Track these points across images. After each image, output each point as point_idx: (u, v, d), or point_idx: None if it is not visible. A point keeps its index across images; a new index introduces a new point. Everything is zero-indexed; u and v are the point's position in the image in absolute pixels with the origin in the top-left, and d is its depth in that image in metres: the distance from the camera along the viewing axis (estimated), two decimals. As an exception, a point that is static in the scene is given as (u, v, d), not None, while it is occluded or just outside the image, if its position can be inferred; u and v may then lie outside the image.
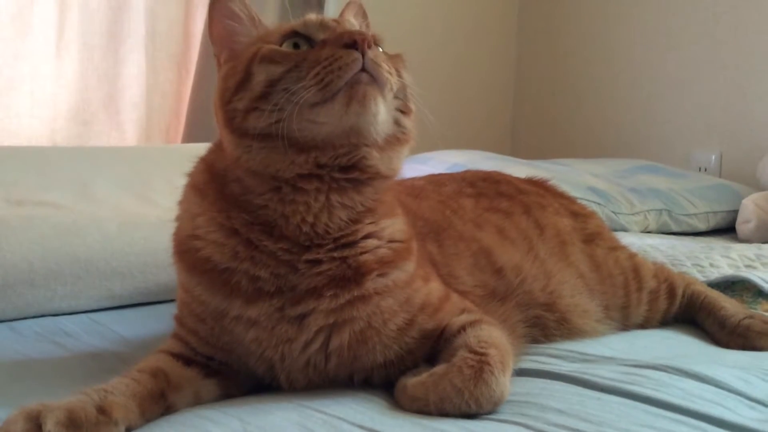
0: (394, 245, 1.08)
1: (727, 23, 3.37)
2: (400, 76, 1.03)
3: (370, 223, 1.06)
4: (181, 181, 1.14)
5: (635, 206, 2.68)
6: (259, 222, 1.02)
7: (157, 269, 1.61)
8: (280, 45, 1.02)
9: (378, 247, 1.06)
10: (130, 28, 2.69)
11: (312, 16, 1.04)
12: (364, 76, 0.96)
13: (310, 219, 1.01)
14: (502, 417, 0.96)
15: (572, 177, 2.70)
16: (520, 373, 1.12)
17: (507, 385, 0.98)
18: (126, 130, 2.72)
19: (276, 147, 0.97)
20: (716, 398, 1.03)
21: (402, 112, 1.04)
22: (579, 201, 1.71)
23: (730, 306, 1.46)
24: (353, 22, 1.08)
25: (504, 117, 4.18)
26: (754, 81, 3.30)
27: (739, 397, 1.05)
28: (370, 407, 0.99)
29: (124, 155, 2.22)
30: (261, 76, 0.99)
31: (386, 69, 0.98)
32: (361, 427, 0.92)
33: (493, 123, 4.11)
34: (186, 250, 1.08)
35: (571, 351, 1.24)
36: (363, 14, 1.17)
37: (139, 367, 1.03)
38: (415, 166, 2.35)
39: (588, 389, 1.06)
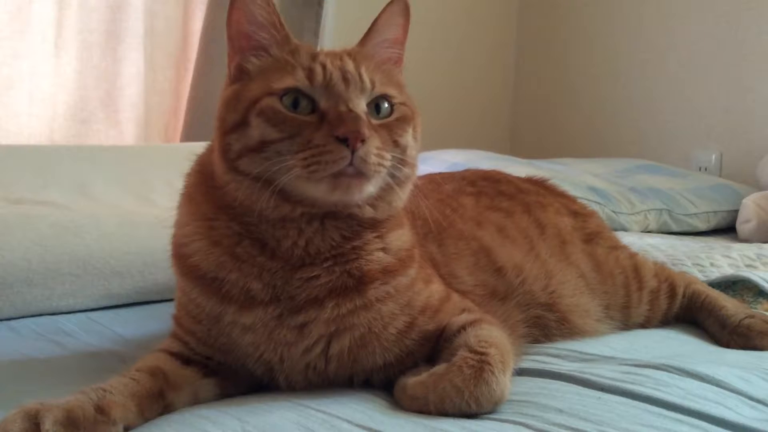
0: (400, 254, 1.08)
1: (728, 23, 3.37)
2: (396, 144, 1.02)
3: (376, 237, 1.06)
4: (179, 180, 1.14)
5: (635, 206, 2.68)
6: (249, 235, 1.02)
7: (156, 268, 1.61)
8: (282, 97, 0.99)
9: (385, 258, 1.06)
10: (129, 27, 2.69)
11: (320, 73, 0.99)
12: (350, 170, 0.95)
13: (302, 243, 1.01)
14: (502, 416, 0.95)
15: (572, 176, 2.70)
16: (521, 372, 1.11)
17: (507, 384, 0.98)
18: (124, 129, 2.71)
19: (264, 191, 0.97)
20: (717, 398, 1.03)
21: (397, 166, 1.02)
22: (579, 200, 1.70)
23: (731, 305, 1.46)
24: (365, 82, 1.01)
25: (503, 116, 4.18)
26: (755, 81, 3.30)
27: (739, 397, 1.05)
28: (370, 407, 0.98)
29: (122, 154, 2.22)
30: (256, 131, 0.98)
31: (376, 161, 0.96)
32: (361, 426, 0.91)
33: (492, 122, 4.11)
34: (179, 255, 1.08)
35: (572, 350, 1.24)
36: (404, 14, 1.10)
37: (137, 366, 1.02)
38: (414, 166, 2.35)
39: (588, 389, 1.06)
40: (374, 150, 0.96)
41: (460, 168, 1.83)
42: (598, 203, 2.53)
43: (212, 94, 2.65)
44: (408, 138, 1.04)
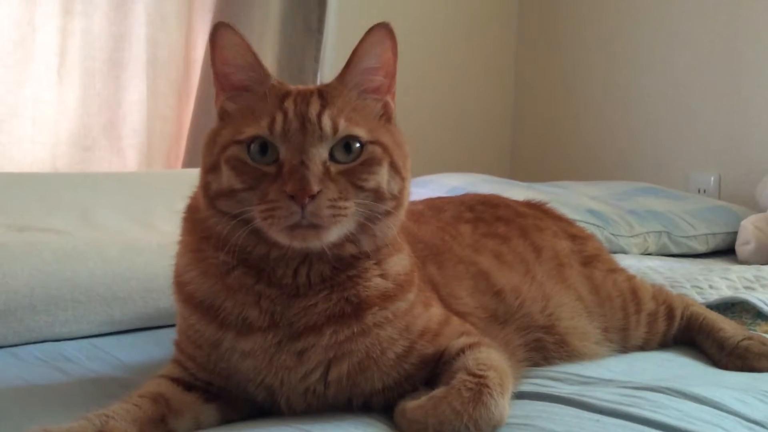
0: (399, 279, 1.08)
1: (725, 46, 3.40)
2: (361, 189, 1.00)
3: (374, 264, 1.06)
4: (181, 207, 1.15)
5: (634, 228, 2.68)
6: (244, 264, 1.03)
7: (158, 294, 1.61)
8: (249, 145, 1.00)
9: (383, 283, 1.06)
10: (131, 55, 2.71)
11: (279, 123, 0.99)
12: (304, 222, 0.96)
13: (290, 272, 1.03)
14: (501, 440, 0.96)
15: (571, 199, 2.71)
16: (519, 395, 1.12)
17: (506, 407, 0.98)
18: (127, 155, 2.73)
19: (243, 229, 0.99)
20: (715, 420, 1.03)
21: (373, 202, 1.01)
22: (578, 223, 1.71)
23: (729, 327, 1.46)
24: (325, 128, 0.99)
25: (503, 140, 4.20)
26: (753, 103, 3.32)
27: (737, 419, 1.05)
28: (369, 431, 0.99)
29: (125, 181, 2.23)
30: (225, 178, 1.01)
31: (330, 213, 0.96)
32: (360, 450, 0.92)
33: (491, 146, 4.13)
34: (178, 282, 1.10)
35: (570, 373, 1.25)
36: (387, 40, 1.06)
37: (139, 392, 1.03)
38: (414, 190, 2.33)
39: (587, 411, 1.06)
40: (327, 203, 0.96)
41: (460, 192, 1.85)
42: (597, 226, 2.54)
43: (214, 121, 2.67)
44: (378, 178, 1.02)
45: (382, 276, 1.06)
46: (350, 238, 1.02)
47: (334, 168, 0.99)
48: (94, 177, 2.28)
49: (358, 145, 1.01)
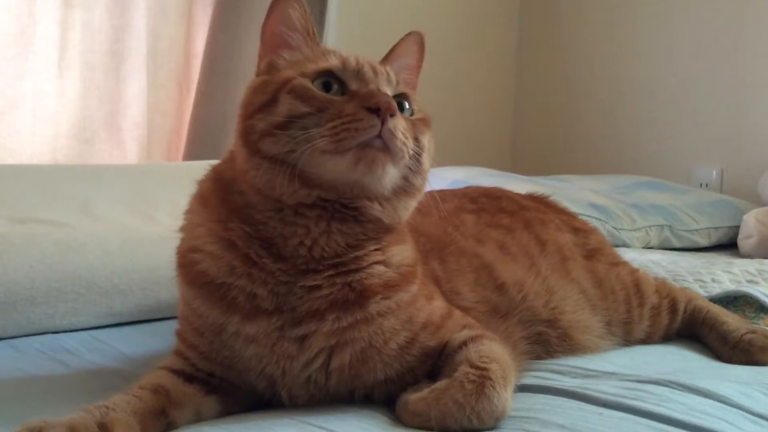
0: (402, 269, 1.08)
1: (727, 40, 3.39)
2: (417, 141, 1.04)
3: (376, 249, 1.06)
4: (182, 198, 1.15)
5: (637, 222, 2.68)
6: (258, 236, 1.02)
7: (158, 286, 1.61)
8: (313, 80, 1.02)
9: (385, 272, 1.06)
10: (132, 47, 2.70)
11: (352, 61, 1.05)
12: (378, 142, 0.97)
13: (308, 242, 1.02)
14: (504, 432, 0.95)
15: (573, 193, 2.71)
16: (522, 388, 1.11)
17: (509, 400, 0.98)
18: (127, 148, 2.72)
19: (284, 173, 0.98)
20: (718, 413, 1.03)
21: (412, 170, 1.04)
22: (580, 217, 1.71)
23: (733, 321, 1.46)
24: (392, 77, 1.07)
25: (504, 133, 4.19)
26: (755, 97, 3.31)
27: (741, 412, 1.05)
28: (372, 423, 0.98)
29: (125, 173, 2.22)
30: (285, 106, 1.00)
31: (402, 140, 0.98)
32: (362, 443, 0.92)
33: (493, 139, 4.12)
34: (186, 263, 1.08)
35: (573, 366, 1.24)
36: (420, 45, 1.18)
37: (140, 384, 1.03)
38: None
39: (590, 405, 1.06)
40: (401, 128, 0.99)
41: (461, 185, 1.84)
42: (599, 220, 2.53)
43: (214, 113, 2.68)
44: (426, 140, 1.07)
45: (384, 263, 1.06)
46: (380, 199, 1.03)
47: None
48: (94, 169, 2.28)
49: (408, 106, 1.07)
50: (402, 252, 1.09)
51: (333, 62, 1.04)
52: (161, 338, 1.46)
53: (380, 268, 1.05)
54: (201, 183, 1.14)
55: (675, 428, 0.97)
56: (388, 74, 1.06)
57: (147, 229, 1.77)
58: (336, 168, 0.98)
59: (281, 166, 0.98)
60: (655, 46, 3.64)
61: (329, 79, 1.02)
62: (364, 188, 1.01)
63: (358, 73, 1.03)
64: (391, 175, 1.00)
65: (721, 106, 3.42)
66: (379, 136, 0.96)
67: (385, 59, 1.14)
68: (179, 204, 1.15)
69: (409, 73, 1.17)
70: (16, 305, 1.48)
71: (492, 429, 0.96)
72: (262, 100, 1.03)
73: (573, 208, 1.78)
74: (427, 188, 1.12)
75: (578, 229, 1.57)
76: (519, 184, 2.40)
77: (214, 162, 1.16)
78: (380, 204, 1.04)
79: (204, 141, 2.68)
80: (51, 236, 1.61)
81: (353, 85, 1.02)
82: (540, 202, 1.62)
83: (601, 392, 1.09)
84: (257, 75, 1.10)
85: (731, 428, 0.99)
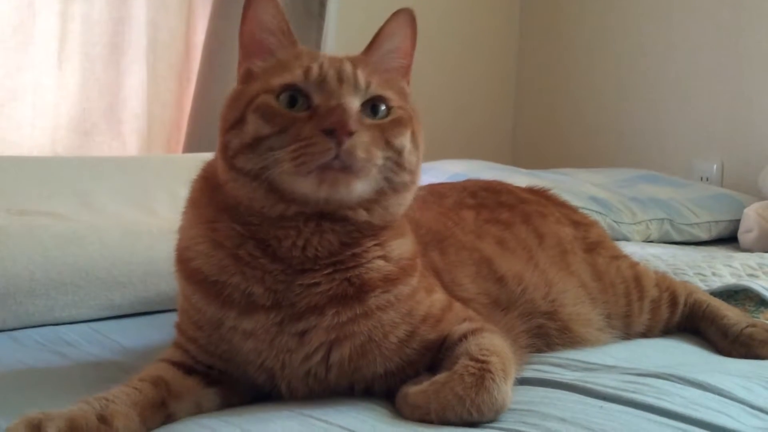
0: (401, 262, 1.08)
1: (728, 33, 3.38)
2: (390, 144, 1.01)
3: (375, 245, 1.05)
4: (182, 191, 1.15)
5: (637, 216, 2.68)
6: (253, 237, 1.02)
7: (158, 278, 1.61)
8: (278, 95, 1.00)
9: (385, 266, 1.06)
10: (132, 39, 2.70)
11: (315, 71, 1.01)
12: (337, 163, 0.95)
13: (300, 243, 1.01)
14: (504, 425, 0.95)
15: (573, 186, 2.70)
16: (522, 382, 1.11)
17: (509, 393, 0.98)
18: (127, 140, 2.72)
19: (261, 189, 0.99)
20: (719, 406, 1.03)
21: (393, 170, 1.02)
22: (580, 210, 1.71)
23: (733, 315, 1.46)
24: (360, 81, 1.02)
25: (505, 126, 4.18)
26: (756, 90, 3.30)
27: (741, 406, 1.05)
28: (371, 416, 0.98)
29: (125, 165, 2.22)
30: (251, 126, 1.00)
31: (363, 157, 0.96)
32: (362, 435, 0.92)
33: (493, 132, 4.11)
34: (183, 259, 1.08)
35: (573, 360, 1.24)
36: (411, 24, 1.11)
37: (140, 376, 1.03)
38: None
39: (590, 398, 1.06)
40: (362, 144, 0.97)
41: (461, 178, 1.84)
42: (600, 213, 2.53)
43: (214, 105, 2.65)
44: (403, 141, 1.03)
45: (384, 258, 1.06)
46: (364, 204, 1.02)
47: (365, 121, 1.00)
48: (94, 161, 2.27)
49: (383, 107, 1.03)
50: (402, 246, 1.09)
51: (296, 74, 1.01)
52: (161, 330, 1.46)
53: (380, 262, 1.05)
54: (193, 182, 1.14)
55: (675, 421, 0.97)
56: (356, 79, 1.02)
57: (147, 221, 1.77)
58: (303, 188, 0.98)
59: (257, 181, 0.99)
60: (656, 40, 3.63)
61: (293, 92, 1.00)
62: (337, 202, 1.00)
63: (321, 85, 1.00)
64: (359, 188, 0.99)
65: (722, 99, 3.41)
66: (338, 157, 0.95)
67: (371, 44, 1.10)
68: (179, 196, 1.15)
69: (396, 57, 1.11)
70: (15, 297, 1.48)
71: (492, 421, 0.96)
72: (234, 116, 1.03)
73: (573, 202, 1.78)
74: (428, 181, 1.11)
75: (578, 222, 1.56)
76: (519, 178, 2.39)
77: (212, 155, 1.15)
78: (365, 209, 1.03)
79: (204, 133, 2.67)
80: (50, 228, 1.61)
81: (316, 99, 1.00)
82: (540, 195, 1.62)
83: (602, 385, 1.09)
84: (237, 82, 1.09)
85: (731, 422, 0.99)
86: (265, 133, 0.99)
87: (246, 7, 1.07)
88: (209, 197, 1.08)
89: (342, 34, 3.07)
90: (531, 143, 4.13)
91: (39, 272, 1.51)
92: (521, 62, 4.17)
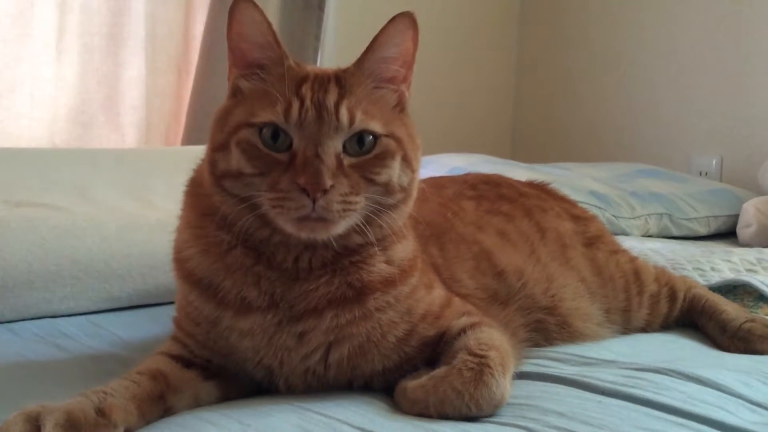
0: (402, 264, 1.07)
1: (728, 27, 3.38)
2: (374, 183, 1.00)
3: (380, 250, 1.05)
4: (180, 184, 1.14)
5: (636, 210, 2.68)
6: (242, 245, 1.02)
7: (157, 271, 1.61)
8: (261, 130, 0.99)
9: (386, 269, 1.05)
10: (130, 31, 2.69)
11: (295, 112, 0.98)
12: (313, 215, 0.95)
13: (291, 258, 1.02)
14: (502, 420, 0.95)
15: (573, 181, 2.70)
16: (521, 376, 1.11)
17: (507, 387, 0.98)
18: (125, 132, 2.71)
19: (248, 211, 0.98)
20: (717, 401, 1.03)
21: (383, 195, 1.01)
22: (580, 205, 1.70)
23: (732, 310, 1.46)
24: (342, 119, 0.98)
25: (504, 121, 4.18)
26: (755, 86, 3.30)
27: (740, 401, 1.05)
28: (370, 410, 0.98)
29: (123, 157, 2.22)
30: (234, 161, 0.99)
31: (338, 209, 0.95)
32: (361, 429, 0.92)
33: (493, 126, 4.11)
34: (178, 259, 1.09)
35: (572, 354, 1.24)
36: (412, 28, 1.05)
37: (138, 369, 1.02)
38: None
39: (589, 392, 1.06)
40: (338, 198, 0.95)
41: (461, 172, 1.83)
42: (599, 207, 2.53)
43: (213, 98, 2.66)
44: (390, 173, 1.01)
45: (387, 262, 1.06)
46: (357, 230, 1.01)
47: (347, 161, 0.98)
48: (92, 153, 2.27)
49: (371, 138, 1.00)
50: (404, 248, 1.09)
51: (277, 111, 0.98)
52: (159, 323, 1.46)
53: (382, 266, 1.05)
54: (186, 183, 1.14)
55: (674, 416, 0.98)
56: (338, 118, 0.98)
57: (145, 213, 1.77)
58: (285, 228, 0.98)
59: (244, 204, 0.99)
60: (656, 34, 3.62)
61: (275, 129, 0.98)
62: (320, 241, 1.00)
63: (301, 126, 0.97)
64: (340, 229, 0.99)
65: (722, 95, 3.40)
66: (314, 210, 0.95)
67: (368, 49, 1.04)
68: (177, 189, 1.15)
69: (392, 64, 1.05)
70: (13, 289, 1.48)
71: (490, 416, 0.96)
72: (219, 140, 1.02)
73: (573, 196, 1.78)
74: (428, 175, 1.11)
75: (578, 216, 1.56)
76: (519, 172, 2.39)
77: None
78: (357, 233, 1.02)
79: (203, 125, 2.66)
80: (49, 220, 1.60)
81: (296, 141, 0.98)
82: (540, 189, 1.61)
83: (600, 380, 1.09)
84: (228, 90, 1.07)
85: (730, 417, 0.99)
86: (247, 172, 0.99)
87: (230, 15, 1.03)
88: (194, 201, 1.09)
89: (342, 27, 3.06)
90: (530, 137, 4.13)
91: (37, 264, 1.51)
92: (521, 56, 4.17)
